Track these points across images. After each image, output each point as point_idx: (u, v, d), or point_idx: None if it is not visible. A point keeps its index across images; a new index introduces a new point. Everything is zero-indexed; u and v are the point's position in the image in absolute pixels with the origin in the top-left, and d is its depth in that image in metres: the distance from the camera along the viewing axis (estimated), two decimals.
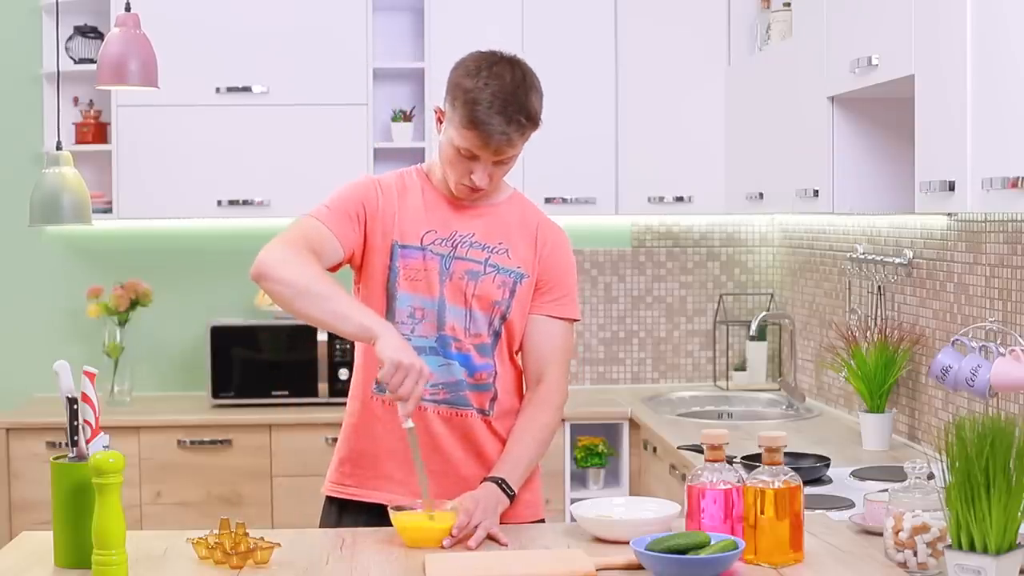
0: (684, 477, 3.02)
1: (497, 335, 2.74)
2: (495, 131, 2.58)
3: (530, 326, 2.77)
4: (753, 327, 4.77)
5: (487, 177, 2.67)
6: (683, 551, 2.20)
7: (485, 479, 2.64)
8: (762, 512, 2.29)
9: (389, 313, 2.70)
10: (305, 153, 4.91)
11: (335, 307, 2.55)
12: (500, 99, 2.58)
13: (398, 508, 2.51)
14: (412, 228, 2.71)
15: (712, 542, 2.23)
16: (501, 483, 2.62)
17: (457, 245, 2.72)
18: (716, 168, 4.89)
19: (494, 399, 2.75)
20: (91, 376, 2.36)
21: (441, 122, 2.69)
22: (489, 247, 2.73)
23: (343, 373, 4.77)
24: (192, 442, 4.68)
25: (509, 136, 2.60)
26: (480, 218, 2.75)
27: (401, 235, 2.70)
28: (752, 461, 3.07)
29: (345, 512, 2.78)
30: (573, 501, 4.46)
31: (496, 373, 2.74)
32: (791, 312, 4.99)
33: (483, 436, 2.75)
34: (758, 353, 5.16)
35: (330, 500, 2.83)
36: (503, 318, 2.73)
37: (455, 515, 2.48)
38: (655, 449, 4.31)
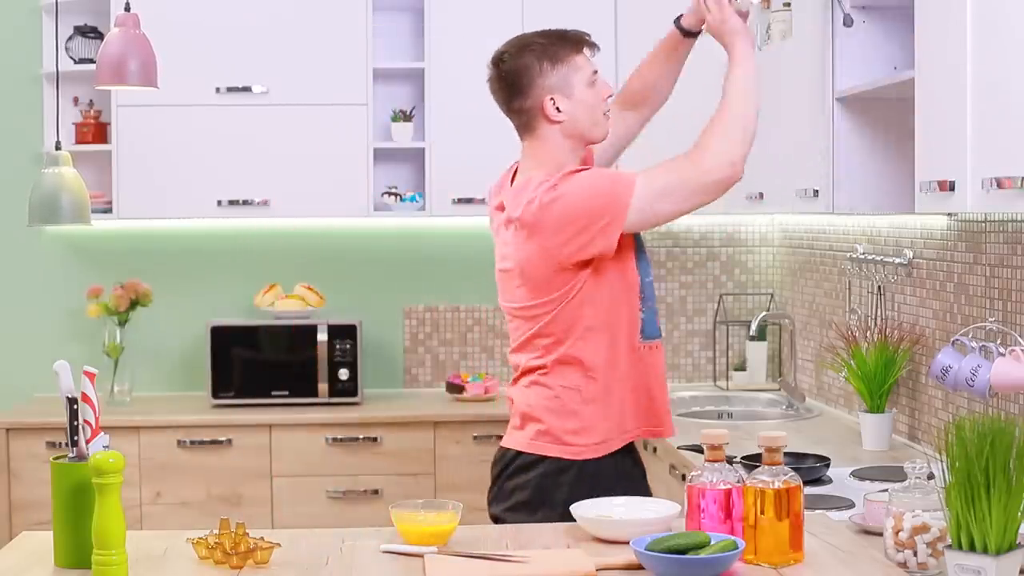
0: (684, 477, 3.02)
1: None
2: (582, 32, 3.14)
3: None
4: (753, 327, 4.77)
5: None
6: (683, 551, 2.20)
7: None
8: (762, 512, 2.29)
9: (641, 290, 3.02)
10: (305, 153, 4.91)
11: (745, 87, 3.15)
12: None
13: (398, 508, 2.52)
14: None
15: (712, 542, 2.23)
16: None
17: None
18: None
19: None
20: (91, 376, 2.36)
21: (559, 108, 3.03)
22: None
23: (343, 373, 4.76)
24: (192, 442, 4.68)
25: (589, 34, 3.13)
26: None
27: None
28: (752, 461, 3.07)
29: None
30: None
31: None
32: (791, 312, 4.99)
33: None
34: (758, 353, 5.16)
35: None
36: None
37: (456, 515, 2.48)
38: (655, 449, 4.31)
